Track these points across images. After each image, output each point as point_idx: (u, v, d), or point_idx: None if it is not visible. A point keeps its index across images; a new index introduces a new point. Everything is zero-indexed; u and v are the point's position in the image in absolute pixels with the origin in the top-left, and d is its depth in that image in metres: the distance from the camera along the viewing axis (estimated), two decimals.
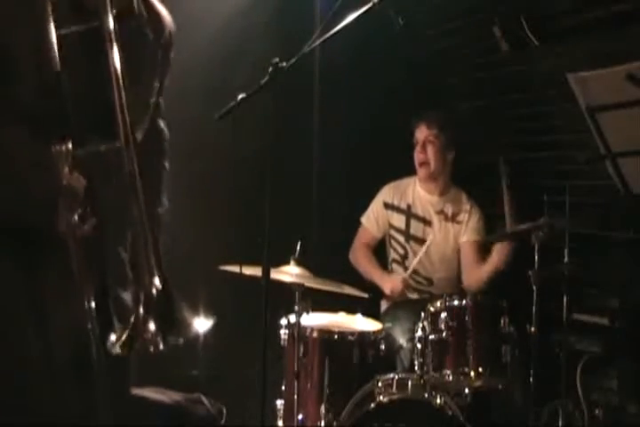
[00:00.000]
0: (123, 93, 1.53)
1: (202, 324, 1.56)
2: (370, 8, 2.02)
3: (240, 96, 2.10)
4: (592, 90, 2.10)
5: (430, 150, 3.44)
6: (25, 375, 1.56)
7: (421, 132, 3.46)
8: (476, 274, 3.39)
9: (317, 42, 2.04)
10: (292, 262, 2.74)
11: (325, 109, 3.83)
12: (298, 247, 2.75)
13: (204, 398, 2.67)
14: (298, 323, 2.70)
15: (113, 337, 1.47)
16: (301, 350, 2.73)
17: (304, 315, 2.72)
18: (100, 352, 1.45)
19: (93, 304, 1.55)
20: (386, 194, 3.60)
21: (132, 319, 1.46)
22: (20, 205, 1.53)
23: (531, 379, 2.85)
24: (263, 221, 2.00)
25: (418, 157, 3.47)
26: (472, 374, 2.63)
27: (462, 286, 3.45)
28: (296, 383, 2.68)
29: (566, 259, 2.97)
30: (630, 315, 3.21)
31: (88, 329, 1.45)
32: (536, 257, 2.90)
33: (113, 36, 1.54)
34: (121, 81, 1.54)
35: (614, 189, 2.28)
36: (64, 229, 1.50)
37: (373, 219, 3.61)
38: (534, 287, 2.86)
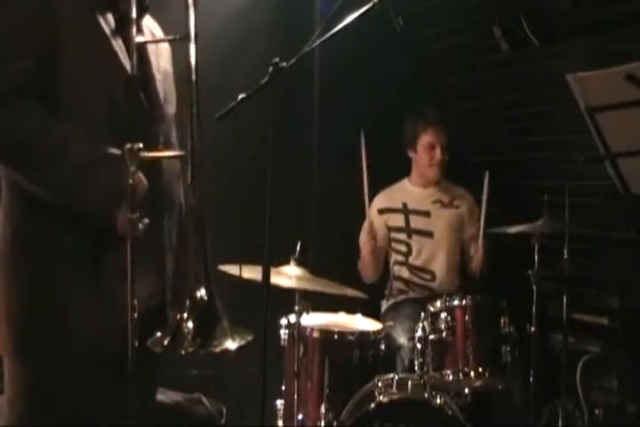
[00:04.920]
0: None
1: (237, 341, 1.56)
2: (370, 8, 2.02)
3: (240, 96, 2.09)
4: (591, 90, 2.09)
5: (439, 153, 3.48)
6: (75, 345, 1.65)
7: (429, 137, 3.48)
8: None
9: (317, 42, 2.04)
10: (291, 262, 2.73)
11: (325, 109, 3.83)
12: (298, 247, 2.74)
13: (203, 399, 2.68)
14: (298, 323, 2.69)
15: (158, 334, 1.51)
16: (301, 350, 2.72)
17: (304, 315, 2.71)
18: (136, 346, 1.50)
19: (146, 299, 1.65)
20: (378, 202, 3.61)
21: (177, 320, 1.49)
22: (92, 197, 1.63)
23: (531, 379, 2.85)
24: (263, 221, 2.00)
25: (431, 159, 3.49)
26: (472, 374, 2.63)
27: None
28: (296, 383, 2.68)
29: (566, 259, 2.98)
30: (630, 315, 3.22)
31: (131, 322, 1.49)
32: (536, 257, 2.90)
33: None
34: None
35: (614, 189, 2.27)
36: (122, 225, 1.58)
37: (372, 230, 3.47)
38: (534, 287, 2.87)
